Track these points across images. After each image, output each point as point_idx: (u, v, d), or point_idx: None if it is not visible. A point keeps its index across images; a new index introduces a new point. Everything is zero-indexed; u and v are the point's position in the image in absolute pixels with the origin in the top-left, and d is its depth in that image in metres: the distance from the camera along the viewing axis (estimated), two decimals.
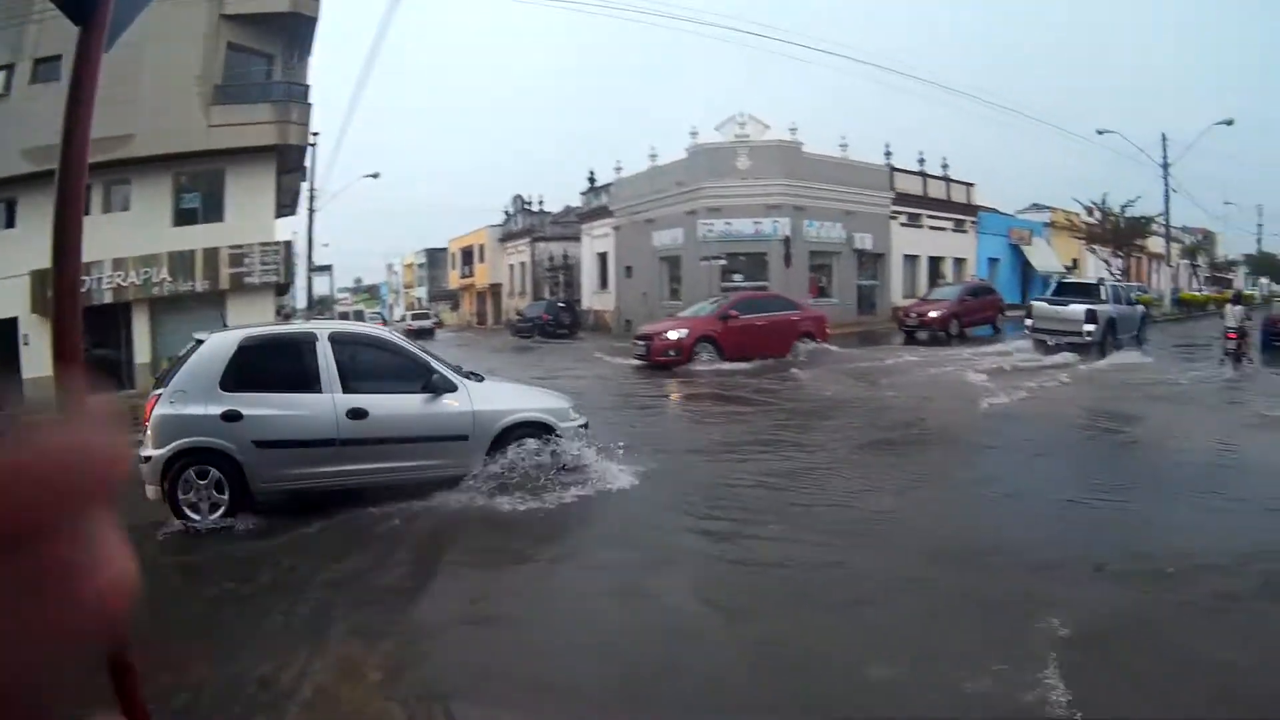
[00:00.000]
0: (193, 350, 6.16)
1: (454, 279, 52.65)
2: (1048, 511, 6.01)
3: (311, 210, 22.81)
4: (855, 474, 7.11)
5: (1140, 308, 20.00)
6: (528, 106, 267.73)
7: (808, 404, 11.38)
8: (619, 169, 31.25)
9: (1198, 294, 39.25)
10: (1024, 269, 35.29)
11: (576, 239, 35.57)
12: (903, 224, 28.42)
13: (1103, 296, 17.73)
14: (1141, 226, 32.79)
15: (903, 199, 28.38)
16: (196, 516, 5.80)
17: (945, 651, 3.68)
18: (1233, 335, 15.46)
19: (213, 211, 18.69)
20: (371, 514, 5.85)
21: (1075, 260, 39.69)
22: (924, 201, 29.59)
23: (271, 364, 6.25)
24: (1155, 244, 38.27)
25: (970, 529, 5.62)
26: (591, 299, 32.99)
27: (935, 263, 30.41)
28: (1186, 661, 3.55)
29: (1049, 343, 17.02)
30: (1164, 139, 33.47)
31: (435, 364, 6.56)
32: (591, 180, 34.42)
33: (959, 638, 3.84)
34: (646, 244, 28.30)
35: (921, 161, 30.38)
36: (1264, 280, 61.67)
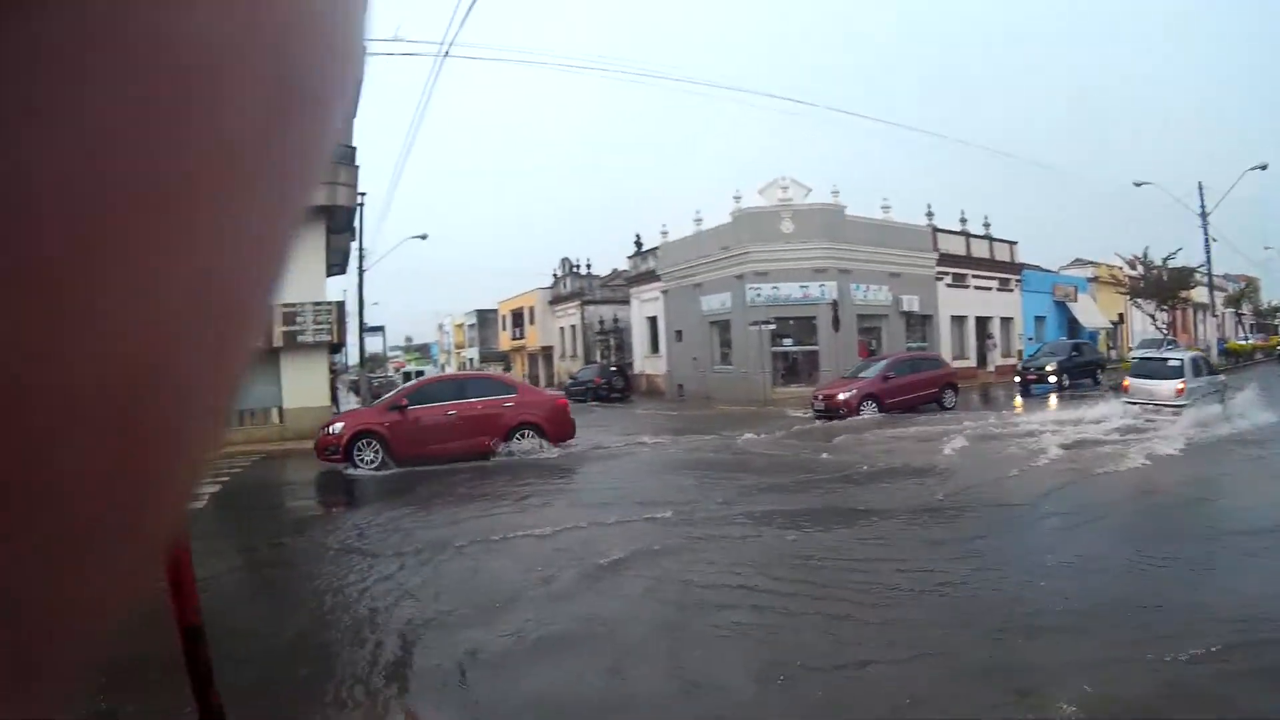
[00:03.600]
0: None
1: (505, 340, 52.67)
2: None
3: (361, 270, 23.26)
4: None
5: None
6: (569, 168, 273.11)
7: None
8: (665, 233, 31.59)
9: (1244, 343, 37.22)
10: (1071, 325, 34.70)
11: (625, 302, 35.96)
12: (948, 285, 28.16)
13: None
14: (1185, 278, 32.24)
15: (947, 259, 28.18)
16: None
17: None
18: None
19: None
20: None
21: (1121, 315, 39.02)
22: (968, 261, 29.45)
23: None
24: (1199, 293, 37.62)
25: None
26: (643, 363, 33.20)
27: (983, 323, 30.09)
28: None
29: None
30: (1200, 187, 32.53)
31: None
32: (638, 244, 34.87)
33: None
34: (695, 308, 28.35)
35: (964, 221, 30.16)
36: None
